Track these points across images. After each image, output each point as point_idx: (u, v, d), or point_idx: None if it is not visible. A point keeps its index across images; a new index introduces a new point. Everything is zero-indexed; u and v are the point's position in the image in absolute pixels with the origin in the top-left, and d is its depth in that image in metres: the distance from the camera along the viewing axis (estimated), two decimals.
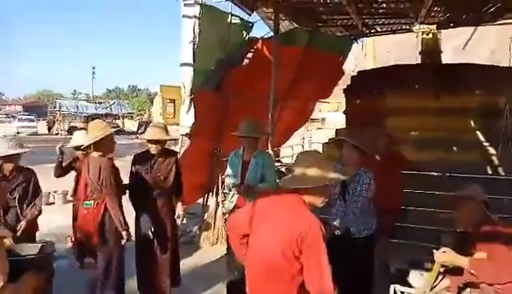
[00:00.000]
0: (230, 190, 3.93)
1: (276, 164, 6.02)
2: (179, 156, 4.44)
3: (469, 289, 2.91)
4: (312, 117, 11.68)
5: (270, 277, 2.15)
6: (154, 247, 3.72)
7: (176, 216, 3.98)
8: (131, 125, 35.32)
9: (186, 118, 4.91)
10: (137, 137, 19.00)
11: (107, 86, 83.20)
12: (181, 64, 4.89)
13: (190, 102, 4.85)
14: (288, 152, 10.85)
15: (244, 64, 6.09)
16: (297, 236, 2.05)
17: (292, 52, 6.42)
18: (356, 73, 8.08)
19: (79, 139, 4.21)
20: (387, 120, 6.53)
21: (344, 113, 8.28)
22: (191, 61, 4.81)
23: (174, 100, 21.51)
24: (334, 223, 3.29)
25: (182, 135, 5.05)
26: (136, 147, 10.03)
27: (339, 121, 18.80)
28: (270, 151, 5.32)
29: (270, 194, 2.43)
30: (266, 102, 5.68)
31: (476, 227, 2.78)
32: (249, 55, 6.13)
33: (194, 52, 4.78)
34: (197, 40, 4.77)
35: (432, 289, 2.96)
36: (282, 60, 5.65)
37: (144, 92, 68.66)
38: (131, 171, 3.80)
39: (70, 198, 5.24)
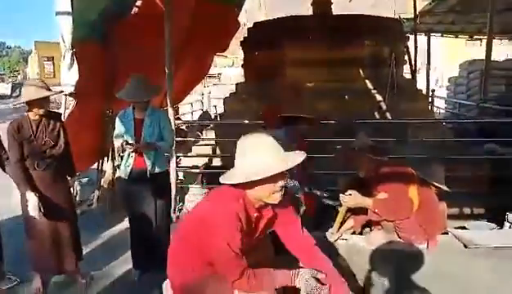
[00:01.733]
0: (122, 152, 3.55)
1: (177, 122, 5.74)
2: (64, 119, 3.93)
3: (368, 228, 3.14)
4: (208, 73, 11.39)
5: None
6: (52, 225, 3.25)
7: (70, 186, 3.55)
8: (3, 88, 31.12)
9: (69, 76, 4.31)
10: (14, 105, 16.60)
11: None
12: (58, 13, 4.19)
13: (72, 57, 4.24)
14: (187, 109, 10.52)
15: (133, 13, 5.50)
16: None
17: (184, 1, 5.98)
18: (252, 25, 7.93)
19: None
20: (284, 72, 6.58)
21: (242, 66, 8.17)
22: (69, 9, 4.15)
23: (53, 58, 19.32)
24: None
25: (66, 95, 4.45)
26: (9, 113, 8.78)
27: (236, 75, 18.85)
28: (169, 109, 4.99)
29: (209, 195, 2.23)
30: (160, 56, 5.25)
31: (370, 172, 2.95)
32: (139, 3, 5.54)
33: None
34: None
35: (338, 230, 3.10)
36: (175, 11, 5.21)
37: (16, 51, 61.07)
38: (9, 143, 3.17)
39: None
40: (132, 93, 3.45)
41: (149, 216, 3.48)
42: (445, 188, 3.10)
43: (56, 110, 4.11)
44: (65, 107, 4.53)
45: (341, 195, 2.85)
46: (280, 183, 1.89)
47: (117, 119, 3.60)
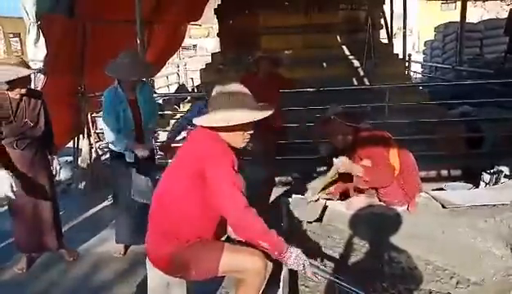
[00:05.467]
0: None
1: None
2: None
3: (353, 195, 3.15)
4: (183, 45, 11.11)
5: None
6: (33, 204, 3.19)
7: (53, 167, 3.42)
8: None
9: (36, 51, 4.10)
10: None
11: None
12: None
13: (38, 30, 4.03)
14: (163, 82, 10.31)
15: None
16: (196, 170, 1.92)
17: None
18: None
19: None
20: (260, 40, 6.47)
21: (218, 35, 8.00)
22: None
23: (19, 34, 18.41)
24: None
25: (34, 71, 4.24)
26: None
27: (212, 46, 18.49)
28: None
29: (193, 134, 2.18)
30: (130, 27, 5.06)
31: (348, 139, 2.93)
32: None
33: None
34: None
35: (322, 190, 3.08)
36: None
37: None
38: None
39: None
40: (127, 71, 3.13)
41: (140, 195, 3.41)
42: None
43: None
44: (35, 84, 4.33)
45: (335, 159, 2.81)
46: (250, 131, 2.07)
47: (106, 101, 3.24)
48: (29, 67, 3.07)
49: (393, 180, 2.81)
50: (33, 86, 4.25)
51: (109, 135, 3.28)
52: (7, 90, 2.99)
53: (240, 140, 2.06)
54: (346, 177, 2.95)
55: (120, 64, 3.16)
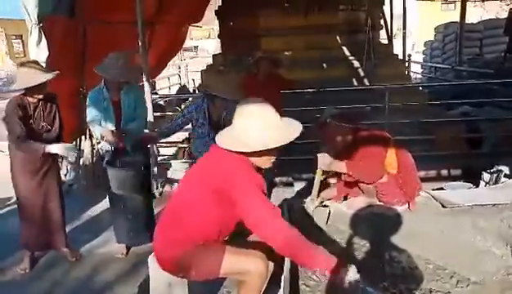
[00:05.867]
0: (102, 139, 3.35)
1: (154, 97, 5.63)
2: None
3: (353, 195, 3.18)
4: (184, 46, 11.14)
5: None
6: (43, 204, 3.27)
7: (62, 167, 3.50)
8: None
9: (38, 52, 4.11)
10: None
11: None
12: None
13: (40, 32, 4.04)
14: (164, 83, 10.33)
15: None
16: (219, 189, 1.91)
17: None
18: None
19: None
20: (261, 41, 6.49)
21: (218, 37, 8.01)
22: None
23: (22, 36, 18.47)
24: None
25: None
26: None
27: (213, 48, 18.54)
28: (145, 84, 4.87)
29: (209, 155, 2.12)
30: (132, 29, 5.07)
31: (347, 142, 2.95)
32: None
33: None
34: None
35: (318, 195, 3.12)
36: None
37: None
38: (11, 120, 3.00)
39: None
40: (110, 72, 3.19)
41: (131, 194, 3.44)
42: None
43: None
44: None
45: (318, 154, 2.85)
46: (278, 153, 2.00)
47: (89, 101, 3.36)
48: (46, 72, 3.11)
49: (382, 177, 2.83)
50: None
51: (94, 129, 3.38)
52: (23, 94, 3.04)
53: (268, 161, 2.01)
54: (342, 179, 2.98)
55: (108, 64, 3.22)
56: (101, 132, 3.27)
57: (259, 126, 1.90)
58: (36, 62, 3.25)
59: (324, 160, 2.85)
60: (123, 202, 3.39)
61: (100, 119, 3.32)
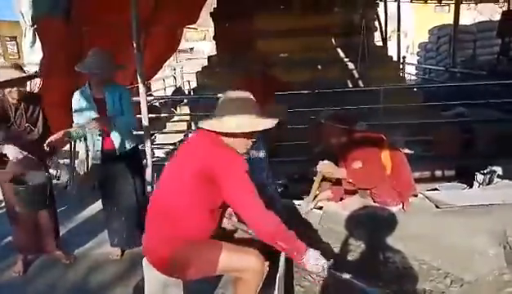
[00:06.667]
0: (83, 139, 3.30)
1: (149, 98, 5.63)
2: None
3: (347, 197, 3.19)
4: (180, 48, 11.14)
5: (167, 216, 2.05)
6: (32, 210, 3.18)
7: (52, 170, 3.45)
8: None
9: (32, 54, 4.12)
10: None
11: None
12: None
13: (34, 34, 4.04)
14: (160, 85, 10.31)
15: None
16: (205, 174, 1.93)
17: None
18: None
19: None
20: (256, 43, 6.50)
21: (214, 38, 8.02)
22: None
23: (16, 38, 18.34)
24: None
25: (30, 75, 4.23)
26: None
27: (208, 49, 18.51)
28: (140, 85, 4.85)
29: (195, 138, 2.18)
30: (127, 30, 5.06)
31: (342, 142, 2.97)
32: None
33: None
34: None
35: (314, 199, 3.15)
36: None
37: None
38: None
39: None
40: (88, 65, 3.16)
41: (124, 195, 3.43)
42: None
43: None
44: (31, 87, 4.33)
45: (320, 162, 2.86)
46: (254, 138, 2.09)
47: (73, 100, 3.29)
48: (22, 69, 3.06)
49: (383, 181, 2.85)
50: (28, 90, 4.27)
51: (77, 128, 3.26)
52: (3, 95, 3.01)
53: (243, 146, 2.07)
54: (339, 181, 2.99)
55: (87, 61, 3.20)
56: (84, 124, 3.18)
57: (236, 111, 1.99)
58: (15, 62, 3.24)
59: (327, 168, 2.85)
60: (118, 205, 3.37)
61: (84, 118, 3.25)
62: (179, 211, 2.02)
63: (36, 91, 4.27)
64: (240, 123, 1.96)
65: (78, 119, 3.27)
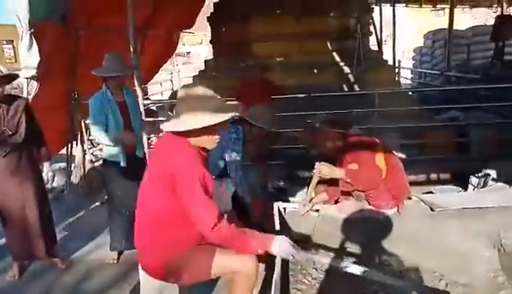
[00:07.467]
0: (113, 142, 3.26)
1: (146, 102, 5.62)
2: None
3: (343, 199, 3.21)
4: (176, 52, 11.17)
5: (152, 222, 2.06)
6: (19, 211, 3.17)
7: (44, 174, 3.42)
8: None
9: (29, 58, 4.09)
10: None
11: None
12: None
13: (31, 37, 4.03)
14: (157, 89, 10.32)
15: None
16: (168, 178, 1.93)
17: None
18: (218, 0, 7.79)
19: None
20: (252, 47, 6.53)
21: (210, 42, 8.04)
22: None
23: (12, 41, 18.33)
24: None
25: (27, 78, 4.23)
26: None
27: (205, 53, 18.55)
28: (137, 89, 4.86)
29: (160, 142, 2.20)
30: (124, 35, 5.07)
31: (337, 146, 2.99)
32: None
33: None
34: None
35: (310, 201, 3.16)
36: None
37: None
38: None
39: None
40: (108, 69, 3.24)
41: (134, 197, 3.41)
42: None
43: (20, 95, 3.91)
44: (28, 91, 4.32)
45: (317, 163, 2.87)
46: (218, 134, 2.07)
47: (93, 104, 3.27)
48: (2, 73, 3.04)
49: (380, 183, 2.87)
50: (25, 94, 4.27)
51: (99, 136, 3.29)
52: None
53: (211, 142, 2.07)
54: (335, 183, 3.01)
55: (108, 64, 3.29)
56: (116, 138, 3.22)
57: (194, 107, 1.96)
58: None
59: (325, 168, 2.86)
60: (121, 208, 3.35)
61: (105, 124, 3.26)
62: (160, 223, 2.03)
63: (32, 94, 4.26)
64: (199, 119, 1.94)
65: (100, 120, 3.26)
